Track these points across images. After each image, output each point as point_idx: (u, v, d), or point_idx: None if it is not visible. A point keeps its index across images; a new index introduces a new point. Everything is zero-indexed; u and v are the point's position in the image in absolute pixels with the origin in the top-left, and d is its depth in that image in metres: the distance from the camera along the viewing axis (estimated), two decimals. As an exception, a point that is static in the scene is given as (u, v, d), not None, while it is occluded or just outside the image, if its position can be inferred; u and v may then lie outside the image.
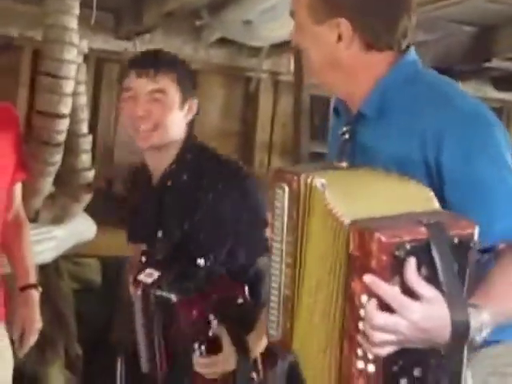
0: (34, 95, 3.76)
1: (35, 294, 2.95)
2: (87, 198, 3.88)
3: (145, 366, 2.59)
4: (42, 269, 4.35)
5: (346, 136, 1.94)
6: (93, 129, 4.13)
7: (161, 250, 2.60)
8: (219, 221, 2.52)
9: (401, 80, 1.92)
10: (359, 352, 1.55)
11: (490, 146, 1.80)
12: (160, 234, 2.61)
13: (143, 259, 2.59)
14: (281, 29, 4.49)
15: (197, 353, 2.41)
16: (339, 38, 1.89)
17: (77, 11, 3.50)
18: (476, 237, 1.58)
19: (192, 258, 2.49)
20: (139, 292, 2.51)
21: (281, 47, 5.12)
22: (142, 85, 2.50)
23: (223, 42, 5.16)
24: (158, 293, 2.47)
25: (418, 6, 3.93)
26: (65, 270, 4.53)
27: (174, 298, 2.44)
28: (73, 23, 3.49)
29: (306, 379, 1.81)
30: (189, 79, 2.62)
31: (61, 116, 3.55)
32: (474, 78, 6.08)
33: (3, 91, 4.04)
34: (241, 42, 5.06)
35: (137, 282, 2.53)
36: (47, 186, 3.72)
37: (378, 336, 1.51)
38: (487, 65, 5.40)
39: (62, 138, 3.59)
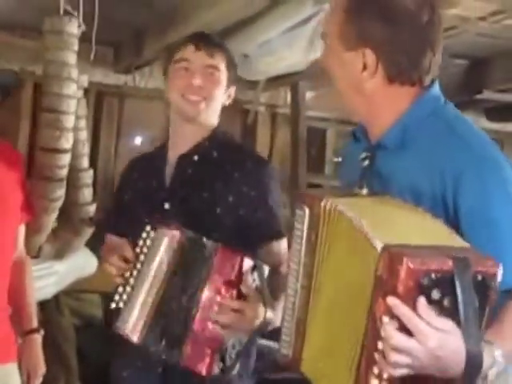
0: (36, 130, 3.74)
1: (38, 338, 2.93)
2: (89, 232, 3.83)
3: None
4: (43, 304, 4.29)
5: (366, 162, 1.97)
6: (93, 162, 4.08)
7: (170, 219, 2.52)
8: (238, 200, 2.53)
9: (422, 115, 1.94)
10: (375, 370, 1.58)
11: (504, 189, 1.83)
12: (167, 205, 2.56)
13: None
14: (277, 63, 4.50)
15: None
16: (364, 67, 1.93)
17: (76, 47, 3.49)
18: (499, 277, 1.60)
19: (205, 229, 2.41)
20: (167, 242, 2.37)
21: (277, 80, 5.11)
22: (199, 58, 2.56)
23: (221, 75, 5.14)
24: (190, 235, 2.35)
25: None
26: (66, 305, 4.47)
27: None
28: (72, 59, 3.48)
29: None
30: (234, 66, 2.68)
31: (62, 151, 3.53)
32: (467, 109, 6.07)
33: (5, 125, 3.98)
34: (238, 76, 5.03)
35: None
36: (51, 222, 3.69)
37: (394, 356, 1.53)
38: (479, 97, 5.38)
39: (64, 173, 3.56)
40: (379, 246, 1.59)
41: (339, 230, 1.73)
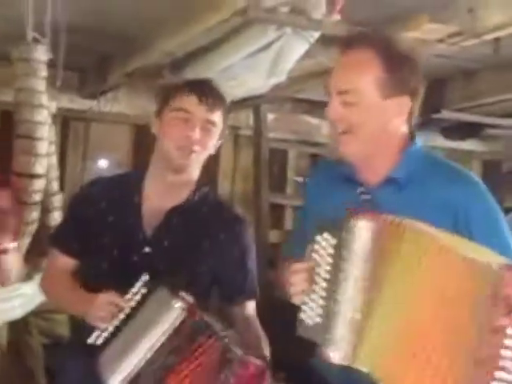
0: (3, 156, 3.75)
1: None
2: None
3: None
4: (11, 325, 4.29)
5: (367, 196, 2.21)
6: (60, 186, 4.10)
7: (151, 263, 2.50)
8: (220, 259, 2.56)
9: (421, 153, 2.24)
10: (496, 375, 1.67)
11: (498, 210, 2.22)
12: (148, 249, 2.52)
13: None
14: (240, 87, 4.53)
15: None
16: (400, 113, 2.16)
17: (45, 73, 3.51)
18: None
19: (184, 282, 2.42)
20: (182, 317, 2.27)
21: (240, 103, 5.15)
22: (201, 112, 2.50)
23: (184, 99, 5.18)
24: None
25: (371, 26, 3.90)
26: (34, 325, 4.46)
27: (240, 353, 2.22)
28: (42, 85, 3.51)
29: None
30: (227, 118, 2.64)
31: (37, 176, 3.57)
32: (425, 128, 6.17)
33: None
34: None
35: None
36: (25, 245, 3.71)
37: None
38: (437, 116, 5.47)
39: (38, 197, 3.60)
40: (494, 264, 1.73)
41: (413, 244, 1.89)
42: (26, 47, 3.52)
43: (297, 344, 2.34)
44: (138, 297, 2.37)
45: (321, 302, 2.06)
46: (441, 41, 3.92)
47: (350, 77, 2.16)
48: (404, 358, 1.86)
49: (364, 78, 2.14)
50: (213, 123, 2.52)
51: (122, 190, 2.63)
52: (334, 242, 2.05)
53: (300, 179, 6.49)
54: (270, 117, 5.77)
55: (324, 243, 2.08)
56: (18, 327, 4.34)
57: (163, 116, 2.57)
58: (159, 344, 2.26)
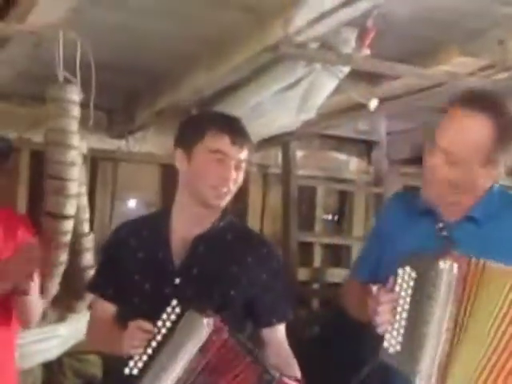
0: (34, 196, 3.77)
1: None
2: (91, 296, 3.86)
3: None
4: (46, 366, 4.32)
5: (445, 233, 2.43)
6: (90, 226, 4.12)
7: (182, 293, 2.54)
8: (249, 283, 2.61)
9: (498, 191, 2.48)
10: None
11: None
12: (178, 280, 2.59)
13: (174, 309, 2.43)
14: (269, 124, 4.56)
15: None
16: (490, 178, 2.39)
17: (77, 113, 3.54)
18: None
19: (216, 307, 2.48)
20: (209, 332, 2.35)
21: (269, 141, 5.17)
22: (235, 152, 2.57)
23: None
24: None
25: (398, 96, 4.00)
26: (68, 366, 4.49)
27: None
28: (74, 126, 3.53)
29: None
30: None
31: (67, 217, 3.59)
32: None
33: (2, 192, 4.03)
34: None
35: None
36: (54, 286, 3.72)
37: None
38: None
39: (68, 238, 3.61)
40: None
41: (495, 285, 2.20)
42: (58, 87, 3.54)
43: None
44: (168, 323, 2.40)
45: (402, 331, 2.32)
46: (471, 74, 3.93)
47: (460, 142, 2.31)
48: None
49: (472, 146, 2.31)
50: (244, 161, 2.62)
51: (150, 227, 2.71)
52: (414, 275, 2.31)
53: (329, 217, 6.48)
54: (299, 154, 5.79)
55: (406, 277, 2.33)
56: (52, 368, 4.38)
57: (196, 154, 2.61)
58: (189, 363, 2.33)
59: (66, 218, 3.58)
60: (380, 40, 3.54)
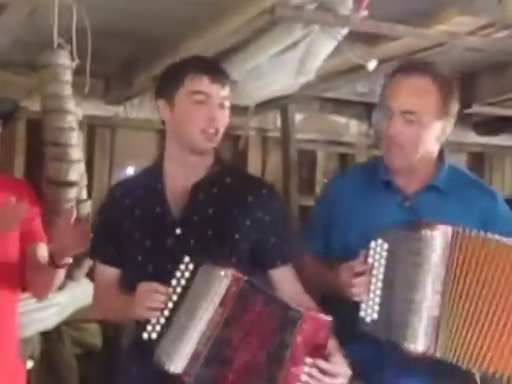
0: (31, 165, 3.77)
1: None
2: (89, 263, 3.90)
3: None
4: (45, 335, 4.35)
5: (407, 203, 2.71)
6: (88, 194, 4.14)
7: (185, 243, 2.56)
8: (253, 224, 2.60)
9: (452, 167, 2.81)
10: None
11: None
12: (179, 230, 2.58)
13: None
14: (266, 87, 4.57)
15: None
16: (443, 133, 2.72)
17: (69, 78, 3.58)
18: None
19: (223, 254, 2.52)
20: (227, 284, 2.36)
21: (267, 104, 5.19)
22: (216, 90, 2.57)
23: (210, 101, 5.21)
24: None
25: (396, 58, 4.05)
26: (67, 335, 4.52)
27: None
28: (67, 91, 3.57)
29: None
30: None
31: (71, 184, 3.63)
32: (456, 124, 6.16)
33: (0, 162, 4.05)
34: (228, 102, 5.12)
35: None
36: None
37: None
38: (468, 111, 5.46)
39: (72, 205, 3.63)
40: None
41: (481, 249, 2.49)
42: (53, 54, 3.57)
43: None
44: (183, 281, 2.41)
45: (377, 300, 2.54)
46: (471, 33, 3.94)
47: (415, 100, 2.66)
48: (481, 338, 2.45)
49: (425, 101, 2.65)
50: (226, 98, 2.61)
51: (144, 184, 2.70)
52: (387, 247, 2.55)
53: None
54: (298, 117, 5.81)
55: (379, 249, 2.56)
56: (50, 337, 4.41)
57: (177, 101, 2.60)
58: (211, 317, 2.34)
59: (69, 184, 3.61)
60: (378, 0, 3.55)
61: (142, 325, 2.44)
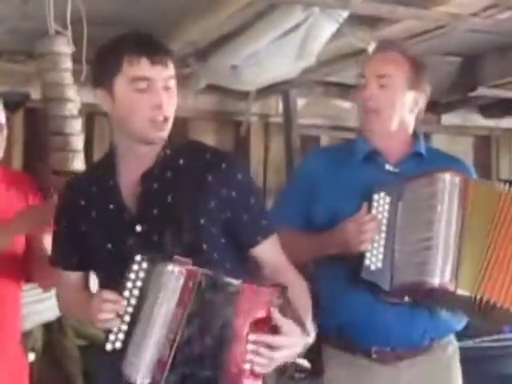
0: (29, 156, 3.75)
1: None
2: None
3: None
4: (47, 326, 4.37)
5: (396, 170, 2.89)
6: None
7: (148, 239, 2.36)
8: (219, 204, 2.41)
9: (426, 144, 3.04)
10: None
11: None
12: (139, 227, 2.38)
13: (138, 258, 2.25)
14: (265, 73, 4.57)
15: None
16: (415, 105, 2.94)
17: (69, 66, 3.58)
18: None
19: (191, 245, 2.34)
20: (182, 281, 2.19)
21: (268, 89, 5.20)
22: (158, 73, 2.33)
23: (211, 88, 5.22)
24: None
25: (400, 40, 4.06)
26: (68, 326, 4.53)
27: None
28: (68, 79, 3.57)
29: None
30: (174, 61, 2.45)
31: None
32: (462, 107, 6.18)
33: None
34: (228, 88, 5.13)
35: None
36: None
37: None
38: (473, 94, 5.46)
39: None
40: None
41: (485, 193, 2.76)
42: (47, 41, 3.57)
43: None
44: (138, 282, 2.23)
45: (381, 250, 2.73)
46: (474, 15, 3.94)
47: (387, 66, 2.91)
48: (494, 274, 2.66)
49: (397, 68, 2.90)
50: (171, 77, 2.38)
51: (98, 181, 2.49)
52: (388, 200, 2.75)
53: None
54: (300, 102, 5.81)
55: (381, 201, 2.75)
56: (52, 328, 4.42)
57: (117, 90, 2.35)
58: (170, 319, 2.18)
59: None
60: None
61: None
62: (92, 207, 2.45)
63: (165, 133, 2.38)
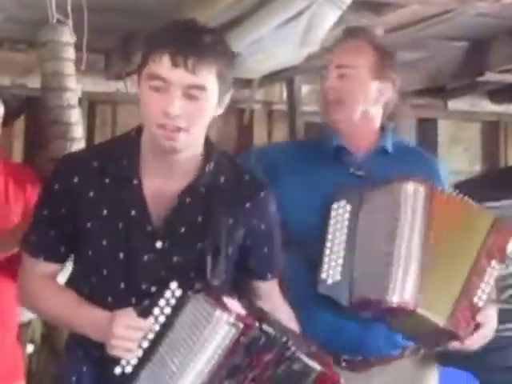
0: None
1: None
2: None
3: None
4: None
5: (361, 173, 2.79)
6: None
7: (167, 260, 2.21)
8: (246, 232, 2.34)
9: (393, 136, 2.95)
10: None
11: None
12: (160, 244, 2.20)
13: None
14: (268, 60, 4.59)
15: None
16: (381, 95, 2.86)
17: (72, 55, 3.61)
18: None
19: (211, 272, 2.21)
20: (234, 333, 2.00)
21: (272, 76, 5.22)
22: (178, 76, 2.08)
23: (214, 75, 5.24)
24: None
25: (406, 25, 4.11)
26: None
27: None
28: (69, 68, 3.60)
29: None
30: (229, 70, 2.19)
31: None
32: (469, 93, 6.19)
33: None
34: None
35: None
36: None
37: None
38: (481, 79, 5.48)
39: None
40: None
41: (452, 205, 2.63)
42: (49, 30, 3.60)
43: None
44: (167, 309, 2.09)
45: (340, 262, 2.62)
46: (481, -1, 3.95)
47: (348, 55, 2.86)
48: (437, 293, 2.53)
49: (359, 57, 2.84)
50: (200, 87, 2.10)
51: (112, 172, 2.24)
52: (349, 208, 2.66)
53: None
54: (305, 90, 5.84)
55: (341, 210, 2.66)
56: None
57: (140, 82, 2.19)
58: (211, 368, 2.00)
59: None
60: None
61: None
62: (103, 203, 2.22)
63: (178, 144, 2.14)
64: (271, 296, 2.45)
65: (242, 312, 2.04)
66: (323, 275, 2.62)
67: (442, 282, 2.55)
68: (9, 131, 4.91)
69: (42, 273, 2.31)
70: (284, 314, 2.41)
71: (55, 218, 2.27)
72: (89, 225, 2.23)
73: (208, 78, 2.10)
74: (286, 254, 2.58)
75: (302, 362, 2.05)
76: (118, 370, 2.09)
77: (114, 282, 2.22)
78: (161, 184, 2.23)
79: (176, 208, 2.22)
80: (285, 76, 5.41)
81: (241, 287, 2.39)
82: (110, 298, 2.20)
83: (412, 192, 2.59)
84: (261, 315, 2.11)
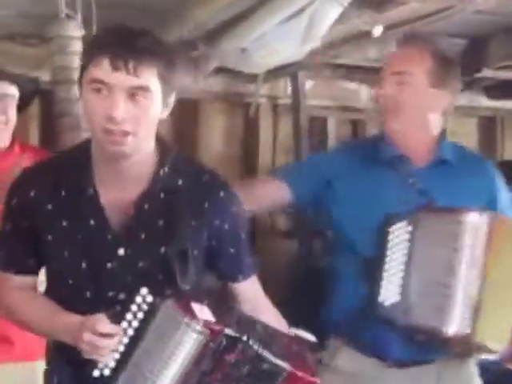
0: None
1: None
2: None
3: None
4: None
5: (419, 185, 2.70)
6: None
7: (130, 266, 2.16)
8: (210, 234, 2.25)
9: (452, 144, 2.87)
10: None
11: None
12: (122, 251, 2.15)
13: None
14: (271, 56, 4.57)
15: None
16: (440, 103, 2.76)
17: (80, 49, 3.59)
18: None
19: (178, 276, 2.15)
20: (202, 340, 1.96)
21: (277, 71, 5.20)
22: (119, 79, 1.98)
23: (220, 70, 5.23)
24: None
25: (405, 22, 4.08)
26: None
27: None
28: (77, 62, 3.56)
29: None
30: (171, 71, 2.09)
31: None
32: (467, 89, 6.16)
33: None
34: (237, 70, 5.14)
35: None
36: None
37: None
38: (479, 75, 5.46)
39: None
40: None
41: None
42: (59, 24, 3.61)
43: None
44: (140, 314, 2.05)
45: (399, 282, 2.58)
46: (480, -4, 3.93)
47: (405, 62, 2.75)
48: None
49: (417, 65, 2.73)
50: (143, 88, 2.01)
51: (66, 183, 2.18)
52: (409, 229, 2.57)
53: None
54: (309, 84, 5.82)
55: (402, 230, 2.58)
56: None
57: (82, 87, 2.09)
58: (182, 375, 1.98)
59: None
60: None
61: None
62: (62, 215, 2.17)
63: (127, 148, 2.05)
64: (250, 297, 2.36)
65: (210, 318, 2.00)
66: (380, 299, 2.61)
67: (498, 312, 2.55)
68: (24, 120, 4.91)
69: (17, 285, 2.28)
70: (269, 313, 2.34)
71: (19, 232, 2.24)
72: (49, 237, 2.19)
73: (150, 79, 2.03)
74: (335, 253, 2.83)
75: (268, 361, 2.00)
76: (96, 373, 2.08)
77: (81, 292, 2.19)
78: (117, 191, 2.16)
79: (134, 215, 2.16)
80: (289, 71, 5.39)
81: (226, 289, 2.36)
82: (79, 307, 2.16)
83: (473, 225, 2.53)
84: (229, 318, 2.08)
